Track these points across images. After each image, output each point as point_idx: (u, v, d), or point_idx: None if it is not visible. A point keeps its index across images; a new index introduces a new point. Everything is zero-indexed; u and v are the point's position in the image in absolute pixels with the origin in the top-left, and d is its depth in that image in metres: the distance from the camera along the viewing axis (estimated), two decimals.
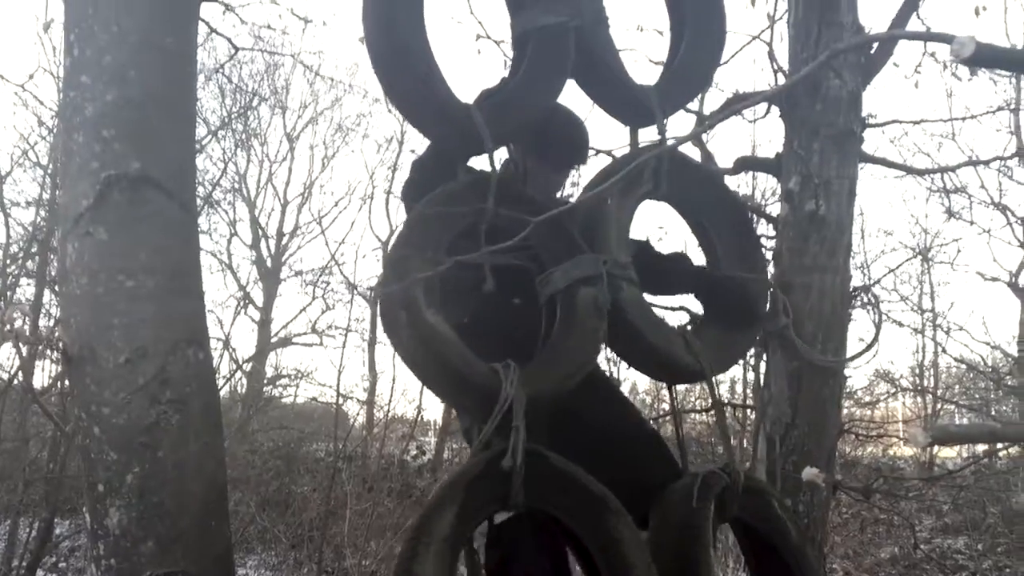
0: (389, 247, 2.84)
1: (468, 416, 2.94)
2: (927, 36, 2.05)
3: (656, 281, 3.33)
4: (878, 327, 3.37)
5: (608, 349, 3.27)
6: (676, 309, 3.61)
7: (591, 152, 3.76)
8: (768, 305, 3.38)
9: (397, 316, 2.64)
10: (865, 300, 3.67)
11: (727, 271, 3.30)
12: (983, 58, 1.37)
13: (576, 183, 5.06)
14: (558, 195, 3.53)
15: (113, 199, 2.44)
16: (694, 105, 3.79)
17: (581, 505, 2.66)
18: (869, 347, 3.47)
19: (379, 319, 2.84)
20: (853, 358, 3.56)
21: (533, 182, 3.22)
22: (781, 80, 4.04)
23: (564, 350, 2.80)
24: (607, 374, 3.48)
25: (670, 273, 3.37)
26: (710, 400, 3.67)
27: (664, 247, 3.49)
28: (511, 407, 2.55)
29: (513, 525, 2.72)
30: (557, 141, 3.28)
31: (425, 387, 2.98)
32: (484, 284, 2.79)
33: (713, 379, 3.20)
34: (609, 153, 3.95)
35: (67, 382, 3.91)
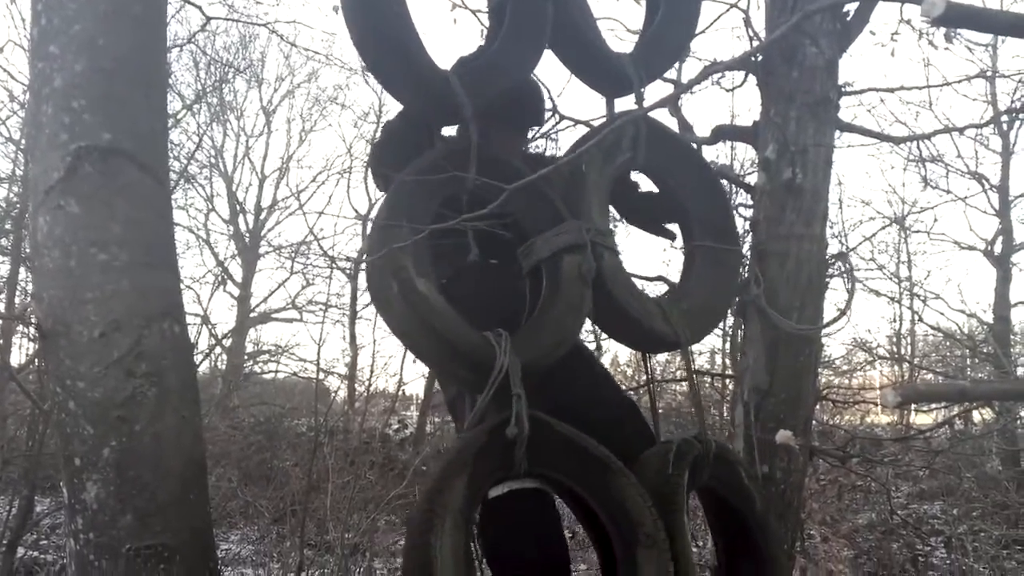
0: (372, 219, 2.81)
1: (462, 386, 2.91)
2: None
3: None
4: (851, 293, 3.40)
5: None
6: (654, 279, 3.63)
7: (570, 124, 3.74)
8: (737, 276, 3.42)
9: (388, 286, 2.61)
10: (842, 268, 3.69)
11: (700, 240, 3.32)
12: (953, 17, 1.37)
13: (554, 155, 5.05)
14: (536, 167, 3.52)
15: (84, 171, 2.41)
16: (672, 74, 3.77)
17: (584, 468, 2.69)
18: (841, 314, 3.50)
19: (367, 290, 2.81)
20: (825, 326, 3.59)
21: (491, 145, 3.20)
22: None
23: (552, 319, 2.81)
24: (582, 342, 3.49)
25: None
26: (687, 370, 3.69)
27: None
28: (506, 376, 2.56)
29: (505, 502, 2.73)
30: (513, 103, 3.26)
31: (416, 357, 2.97)
32: (462, 252, 2.78)
33: (689, 349, 3.21)
34: (587, 123, 3.94)
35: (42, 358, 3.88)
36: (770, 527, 3.09)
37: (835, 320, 3.53)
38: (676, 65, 3.69)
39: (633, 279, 3.17)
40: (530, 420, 2.57)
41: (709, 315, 3.31)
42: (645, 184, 3.50)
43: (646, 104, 3.25)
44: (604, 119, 3.40)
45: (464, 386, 2.87)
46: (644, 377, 3.89)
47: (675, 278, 3.54)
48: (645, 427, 3.16)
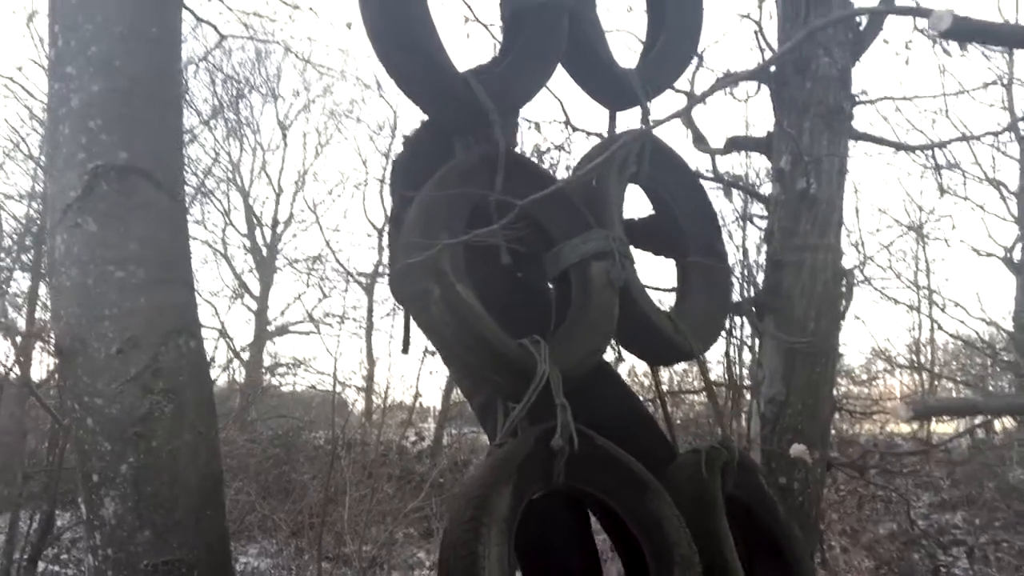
0: (389, 232, 2.81)
1: (496, 393, 2.88)
2: (907, 11, 2.05)
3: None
4: (847, 300, 3.40)
5: None
6: (668, 290, 3.64)
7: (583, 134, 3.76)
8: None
9: (428, 290, 2.59)
10: (851, 280, 3.70)
11: (693, 256, 3.36)
12: (961, 31, 1.38)
13: (569, 167, 5.07)
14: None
15: (101, 190, 2.44)
16: (685, 85, 3.79)
17: (623, 485, 2.68)
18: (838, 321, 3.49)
19: (399, 295, 2.82)
20: (818, 338, 3.56)
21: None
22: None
23: (586, 327, 2.81)
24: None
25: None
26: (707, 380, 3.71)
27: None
28: (546, 384, 2.56)
29: (537, 504, 2.73)
30: None
31: (448, 362, 2.96)
32: (494, 259, 2.79)
33: (704, 359, 3.24)
34: (599, 135, 3.95)
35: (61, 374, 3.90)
36: (795, 533, 3.09)
37: (832, 329, 3.53)
38: (689, 76, 3.71)
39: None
40: (576, 433, 2.58)
41: (711, 327, 3.33)
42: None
43: (661, 116, 3.27)
44: (617, 132, 3.42)
45: (498, 393, 2.84)
46: (660, 388, 3.90)
47: None
48: (662, 439, 3.16)
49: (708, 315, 3.30)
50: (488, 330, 2.59)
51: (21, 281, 8.36)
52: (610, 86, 3.30)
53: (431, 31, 2.81)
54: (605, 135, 3.77)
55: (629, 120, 3.45)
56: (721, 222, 3.66)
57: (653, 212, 3.47)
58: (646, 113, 3.28)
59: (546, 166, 5.32)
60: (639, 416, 3.20)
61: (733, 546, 2.74)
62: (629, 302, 2.95)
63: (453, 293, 2.57)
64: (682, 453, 3.05)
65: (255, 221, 20.01)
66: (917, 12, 1.59)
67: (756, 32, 4.08)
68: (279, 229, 20.30)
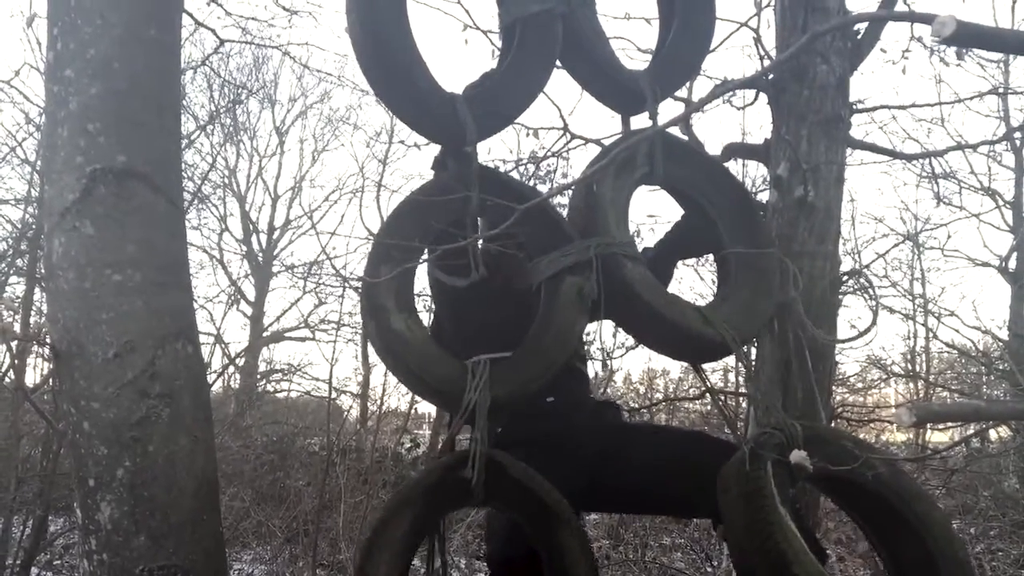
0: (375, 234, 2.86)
1: (447, 411, 2.99)
2: (909, 16, 2.05)
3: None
4: (875, 309, 3.34)
5: (624, 331, 3.29)
6: None
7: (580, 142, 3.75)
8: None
9: (366, 324, 2.74)
10: (858, 284, 3.66)
11: (733, 248, 3.25)
12: (964, 37, 1.38)
13: (566, 174, 5.07)
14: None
15: (99, 193, 2.44)
16: (682, 93, 3.78)
17: (534, 513, 2.69)
18: (867, 330, 3.42)
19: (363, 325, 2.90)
20: (852, 339, 3.52)
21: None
22: None
23: (538, 347, 2.82)
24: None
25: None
26: (744, 375, 3.64)
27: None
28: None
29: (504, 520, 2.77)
30: None
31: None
32: (473, 273, 2.80)
33: (743, 350, 3.13)
34: (597, 142, 3.95)
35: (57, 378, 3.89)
36: (911, 484, 2.83)
37: (862, 335, 3.43)
38: (687, 84, 3.70)
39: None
40: (487, 460, 2.62)
41: (752, 318, 3.19)
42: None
43: (660, 121, 3.24)
44: (618, 136, 3.40)
45: (448, 411, 2.93)
46: (656, 396, 3.87)
47: (688, 295, 3.52)
48: (714, 450, 3.03)
49: (748, 305, 3.17)
50: (417, 362, 2.69)
51: (17, 286, 8.35)
52: (619, 90, 3.27)
53: (414, 58, 2.84)
54: (604, 142, 3.77)
55: (639, 123, 3.41)
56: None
57: (683, 214, 3.39)
58: (653, 114, 3.24)
59: (543, 173, 5.33)
60: (680, 441, 3.17)
61: (794, 534, 2.55)
62: (635, 300, 2.91)
63: (386, 328, 2.68)
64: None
65: (251, 227, 20.01)
66: (919, 18, 1.59)
67: (755, 40, 4.10)
68: (275, 235, 20.31)
